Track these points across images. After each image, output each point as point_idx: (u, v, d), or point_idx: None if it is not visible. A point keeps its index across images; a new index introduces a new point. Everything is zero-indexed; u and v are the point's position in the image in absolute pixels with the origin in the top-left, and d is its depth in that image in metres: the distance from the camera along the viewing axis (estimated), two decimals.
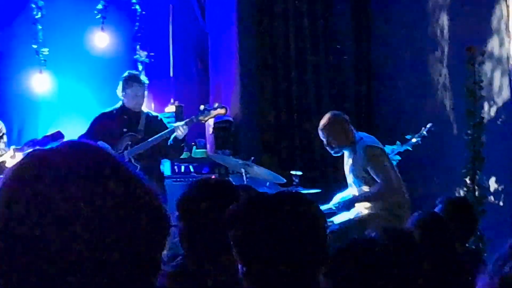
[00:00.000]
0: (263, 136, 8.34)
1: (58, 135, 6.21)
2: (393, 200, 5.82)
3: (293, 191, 2.07)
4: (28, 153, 1.23)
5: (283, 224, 1.84)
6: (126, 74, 6.58)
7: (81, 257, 1.12)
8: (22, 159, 1.22)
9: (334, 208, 6.14)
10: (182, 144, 6.58)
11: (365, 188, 5.88)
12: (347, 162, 6.02)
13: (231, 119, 8.19)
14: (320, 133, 6.07)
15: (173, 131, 6.39)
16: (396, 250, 1.96)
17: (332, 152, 6.06)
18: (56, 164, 1.17)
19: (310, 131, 8.38)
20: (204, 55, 8.97)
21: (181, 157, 8.05)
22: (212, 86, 8.88)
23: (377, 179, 5.76)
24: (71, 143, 1.25)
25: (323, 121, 6.07)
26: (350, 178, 5.98)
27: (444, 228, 3.59)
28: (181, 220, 2.47)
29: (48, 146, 1.23)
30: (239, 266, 1.87)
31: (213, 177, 7.59)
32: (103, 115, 6.56)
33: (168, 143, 6.44)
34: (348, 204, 5.95)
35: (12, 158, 6.11)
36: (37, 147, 1.28)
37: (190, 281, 2.38)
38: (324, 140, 6.04)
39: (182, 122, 6.44)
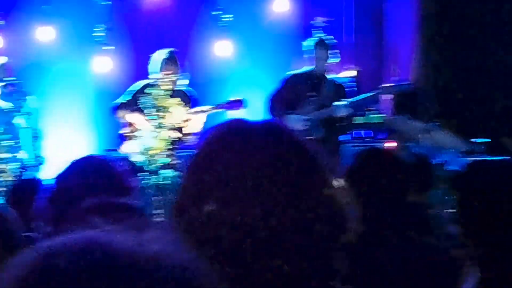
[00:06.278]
0: (443, 102, 8.13)
1: (239, 102, 6.43)
2: None
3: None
4: (232, 122, 1.44)
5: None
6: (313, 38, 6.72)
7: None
8: (225, 126, 1.43)
9: None
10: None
11: None
12: None
13: (411, 84, 8.05)
14: None
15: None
16: None
17: None
18: (251, 140, 1.37)
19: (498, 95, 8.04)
20: (380, 18, 8.86)
21: (357, 122, 8.06)
22: (388, 50, 8.77)
23: None
24: (268, 123, 1.44)
25: None
26: None
27: None
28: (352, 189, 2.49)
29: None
30: None
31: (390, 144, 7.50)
32: (293, 77, 6.69)
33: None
34: None
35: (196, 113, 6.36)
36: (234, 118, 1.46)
37: None
38: None
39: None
